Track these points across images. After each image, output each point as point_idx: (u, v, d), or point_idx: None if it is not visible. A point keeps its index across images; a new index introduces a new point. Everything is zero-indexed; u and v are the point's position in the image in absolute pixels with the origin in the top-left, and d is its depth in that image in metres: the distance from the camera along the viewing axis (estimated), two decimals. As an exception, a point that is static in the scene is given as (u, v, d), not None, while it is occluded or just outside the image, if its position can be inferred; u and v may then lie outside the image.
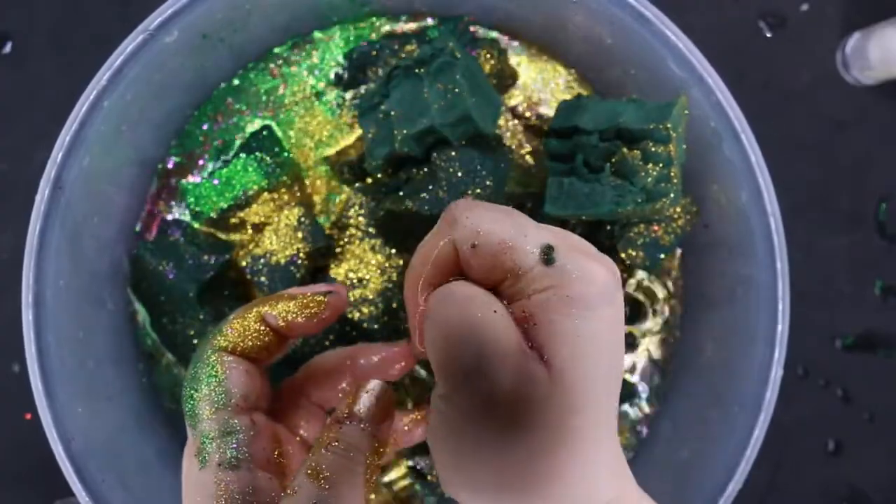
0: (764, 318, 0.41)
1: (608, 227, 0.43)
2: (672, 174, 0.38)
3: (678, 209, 0.43)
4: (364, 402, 0.29)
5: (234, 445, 0.29)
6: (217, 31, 0.42)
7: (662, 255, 0.43)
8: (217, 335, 0.31)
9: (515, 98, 0.47)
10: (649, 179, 0.37)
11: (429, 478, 0.44)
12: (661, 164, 0.37)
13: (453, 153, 0.39)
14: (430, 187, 0.39)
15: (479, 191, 0.39)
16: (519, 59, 0.47)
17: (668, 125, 0.37)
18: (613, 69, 0.44)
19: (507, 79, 0.47)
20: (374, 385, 0.30)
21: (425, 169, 0.40)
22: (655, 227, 0.42)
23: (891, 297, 0.54)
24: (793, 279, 0.40)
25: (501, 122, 0.47)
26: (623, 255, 0.42)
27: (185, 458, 0.30)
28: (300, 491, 0.27)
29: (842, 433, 0.53)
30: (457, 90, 0.39)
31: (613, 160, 0.38)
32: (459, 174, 0.39)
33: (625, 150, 0.38)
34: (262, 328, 0.31)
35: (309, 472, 0.27)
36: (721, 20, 0.54)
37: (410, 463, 0.44)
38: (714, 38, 0.49)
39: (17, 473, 0.50)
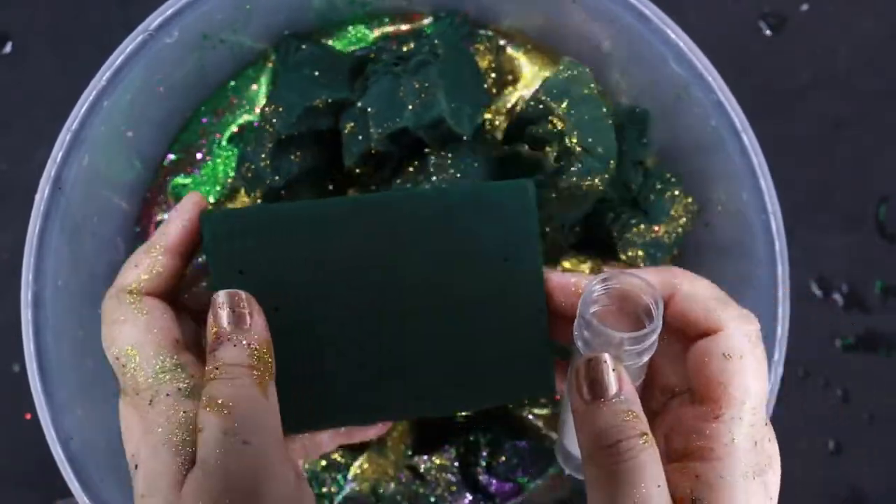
0: (764, 318, 0.41)
1: (608, 226, 0.43)
2: (570, 144, 0.38)
3: (679, 209, 0.43)
4: (222, 317, 0.29)
5: (186, 378, 0.29)
6: (217, 31, 0.42)
7: (662, 255, 0.43)
8: (127, 285, 0.31)
9: (514, 96, 0.47)
10: (551, 160, 0.38)
11: (428, 478, 0.44)
12: (556, 143, 0.38)
13: (436, 160, 0.39)
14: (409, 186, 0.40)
15: None
16: (517, 58, 0.47)
17: (543, 96, 0.39)
18: (613, 68, 0.44)
19: (505, 74, 0.46)
20: (221, 296, 0.29)
21: (398, 180, 0.40)
22: (656, 228, 0.42)
23: (891, 297, 0.54)
24: (793, 279, 0.40)
25: (499, 120, 0.47)
26: (623, 256, 0.42)
27: (122, 407, 0.30)
28: (206, 427, 0.26)
29: (842, 433, 0.53)
30: (433, 90, 0.38)
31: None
32: (440, 178, 0.39)
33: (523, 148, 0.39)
34: (171, 261, 0.31)
35: (205, 406, 0.27)
36: (721, 20, 0.54)
37: (410, 463, 0.45)
38: (714, 38, 0.49)
39: (17, 473, 0.50)
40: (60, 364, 0.38)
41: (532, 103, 0.40)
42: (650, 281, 0.28)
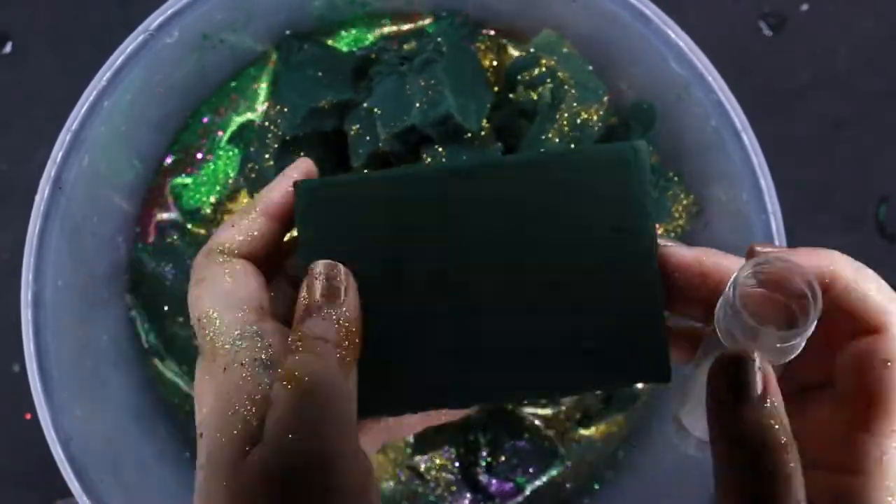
0: (764, 318, 0.41)
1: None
2: (563, 77, 0.39)
3: (679, 208, 0.43)
4: (316, 288, 0.27)
5: (268, 345, 0.27)
6: (217, 32, 0.42)
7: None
8: (220, 244, 0.29)
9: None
10: (546, 97, 0.39)
11: (428, 478, 0.44)
12: (548, 80, 0.40)
13: (440, 150, 0.39)
14: None
15: None
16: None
17: (532, 49, 0.41)
18: (613, 68, 0.44)
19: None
20: (319, 266, 0.27)
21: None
22: (656, 226, 0.42)
23: (891, 297, 0.54)
24: (793, 279, 0.40)
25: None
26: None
27: (198, 372, 0.27)
28: (279, 402, 0.25)
29: (842, 433, 0.53)
30: (439, 87, 0.39)
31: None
32: None
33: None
34: (267, 225, 0.30)
35: (282, 380, 0.25)
36: (721, 20, 0.54)
37: (411, 463, 0.45)
38: (714, 38, 0.49)
39: (17, 473, 0.50)
40: (60, 364, 0.38)
41: (523, 54, 0.42)
42: (809, 268, 0.25)
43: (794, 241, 0.41)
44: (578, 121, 0.40)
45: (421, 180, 0.30)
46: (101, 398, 0.41)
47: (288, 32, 0.45)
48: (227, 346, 0.27)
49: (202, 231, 0.45)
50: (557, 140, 0.39)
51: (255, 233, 0.29)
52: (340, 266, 0.28)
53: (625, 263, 0.30)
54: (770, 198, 0.40)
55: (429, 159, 0.39)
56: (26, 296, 0.38)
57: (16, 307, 0.37)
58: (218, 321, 0.27)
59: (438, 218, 0.30)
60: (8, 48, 0.52)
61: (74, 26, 0.52)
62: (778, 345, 0.25)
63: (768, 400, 0.24)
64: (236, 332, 0.27)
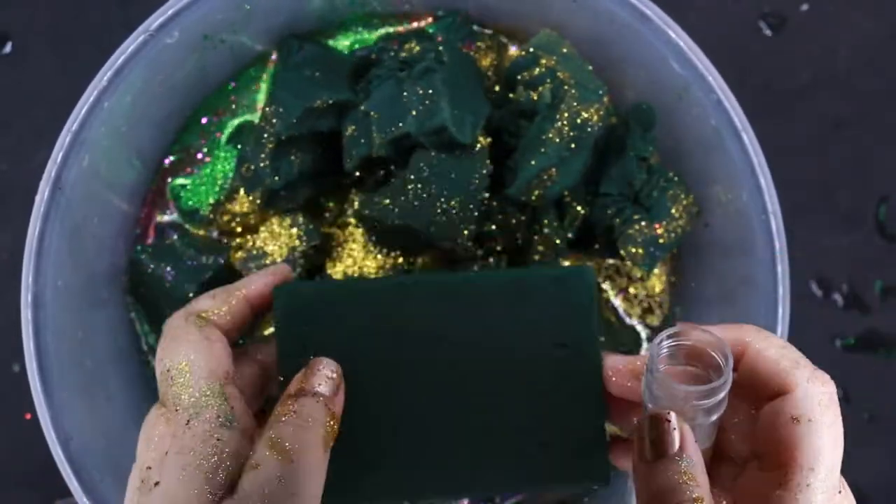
0: (764, 319, 0.41)
1: (609, 220, 0.43)
2: (563, 77, 0.40)
3: (679, 208, 0.43)
4: (316, 378, 0.30)
5: (229, 408, 0.29)
6: (217, 32, 0.42)
7: (662, 254, 0.43)
8: (201, 310, 0.32)
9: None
10: (546, 97, 0.40)
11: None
12: (547, 80, 0.40)
13: (427, 164, 0.39)
14: (401, 197, 0.39)
15: (452, 202, 0.39)
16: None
17: (532, 48, 0.42)
18: (613, 67, 0.44)
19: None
20: (324, 362, 0.30)
21: (393, 180, 0.40)
22: (656, 226, 0.42)
23: (891, 297, 0.54)
24: (793, 279, 0.40)
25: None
26: (622, 252, 0.42)
27: (153, 417, 0.29)
28: (263, 465, 0.27)
29: (842, 433, 0.53)
30: (436, 98, 0.39)
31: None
32: (433, 185, 0.39)
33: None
34: (244, 307, 0.33)
35: (270, 444, 0.27)
36: (721, 20, 0.54)
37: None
38: (714, 38, 0.49)
39: (17, 473, 0.50)
40: (60, 364, 0.38)
41: (523, 54, 0.42)
42: (720, 337, 0.27)
43: (794, 241, 0.41)
44: (578, 121, 0.40)
45: (388, 290, 0.34)
46: (101, 398, 0.41)
47: (288, 34, 0.45)
48: (192, 400, 0.29)
49: (201, 232, 0.45)
50: (558, 140, 0.39)
51: (232, 309, 0.33)
52: (339, 368, 0.31)
53: (572, 375, 0.33)
54: (770, 198, 0.40)
55: (418, 165, 0.40)
56: (26, 296, 0.38)
57: (16, 307, 0.37)
58: (188, 375, 0.29)
59: (404, 327, 0.33)
60: (8, 48, 0.52)
61: (74, 26, 0.52)
62: (696, 402, 0.27)
63: (684, 455, 0.26)
64: (204, 388, 0.29)
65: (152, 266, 0.42)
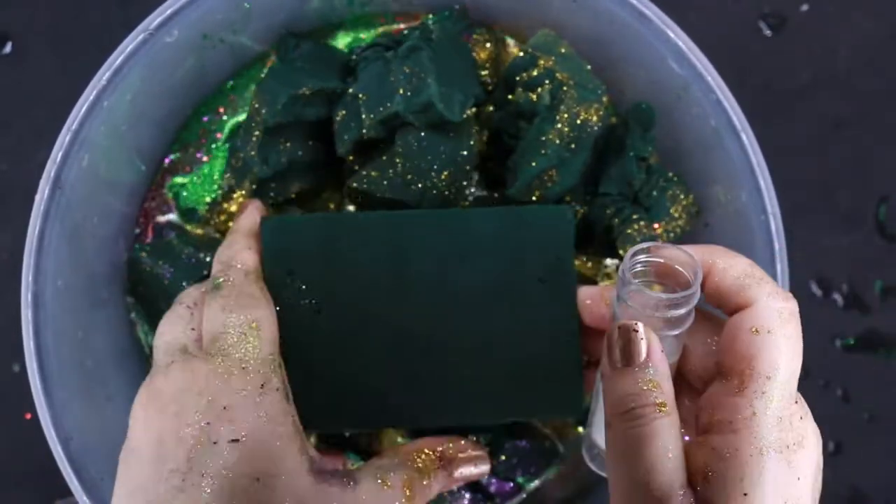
0: (764, 318, 0.41)
1: (609, 220, 0.43)
2: (563, 78, 0.40)
3: (679, 208, 0.43)
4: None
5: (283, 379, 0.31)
6: (217, 31, 0.42)
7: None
8: (254, 268, 0.34)
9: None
10: (545, 99, 0.40)
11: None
12: (546, 81, 0.40)
13: (415, 138, 0.39)
14: (391, 171, 0.40)
15: (442, 176, 0.39)
16: (516, 54, 0.47)
17: (530, 49, 0.42)
18: (613, 68, 0.44)
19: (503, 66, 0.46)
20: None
21: (384, 156, 0.40)
22: (655, 226, 0.42)
23: (891, 297, 0.54)
24: (792, 279, 0.40)
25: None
26: (621, 251, 0.42)
27: (201, 369, 0.30)
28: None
29: (842, 433, 0.53)
30: (422, 74, 0.38)
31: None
32: (421, 160, 0.39)
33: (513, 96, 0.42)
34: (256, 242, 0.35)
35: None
36: (721, 20, 0.54)
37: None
38: (714, 38, 0.49)
39: (17, 473, 0.50)
40: (60, 364, 0.38)
41: (522, 54, 0.42)
42: (691, 254, 0.29)
43: (793, 241, 0.41)
44: (578, 121, 0.40)
45: (372, 223, 0.35)
46: (101, 398, 0.41)
47: (286, 32, 0.45)
48: (259, 361, 0.30)
49: (199, 231, 0.45)
50: (558, 141, 0.39)
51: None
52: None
53: (549, 309, 0.35)
54: (770, 198, 0.40)
55: (406, 139, 0.40)
56: (26, 296, 0.38)
57: (16, 307, 0.37)
58: (258, 335, 0.31)
59: (386, 260, 0.34)
60: (8, 48, 0.52)
61: (74, 26, 0.52)
62: (664, 311, 0.28)
63: (650, 364, 0.27)
64: (270, 353, 0.31)
65: (150, 264, 0.42)
